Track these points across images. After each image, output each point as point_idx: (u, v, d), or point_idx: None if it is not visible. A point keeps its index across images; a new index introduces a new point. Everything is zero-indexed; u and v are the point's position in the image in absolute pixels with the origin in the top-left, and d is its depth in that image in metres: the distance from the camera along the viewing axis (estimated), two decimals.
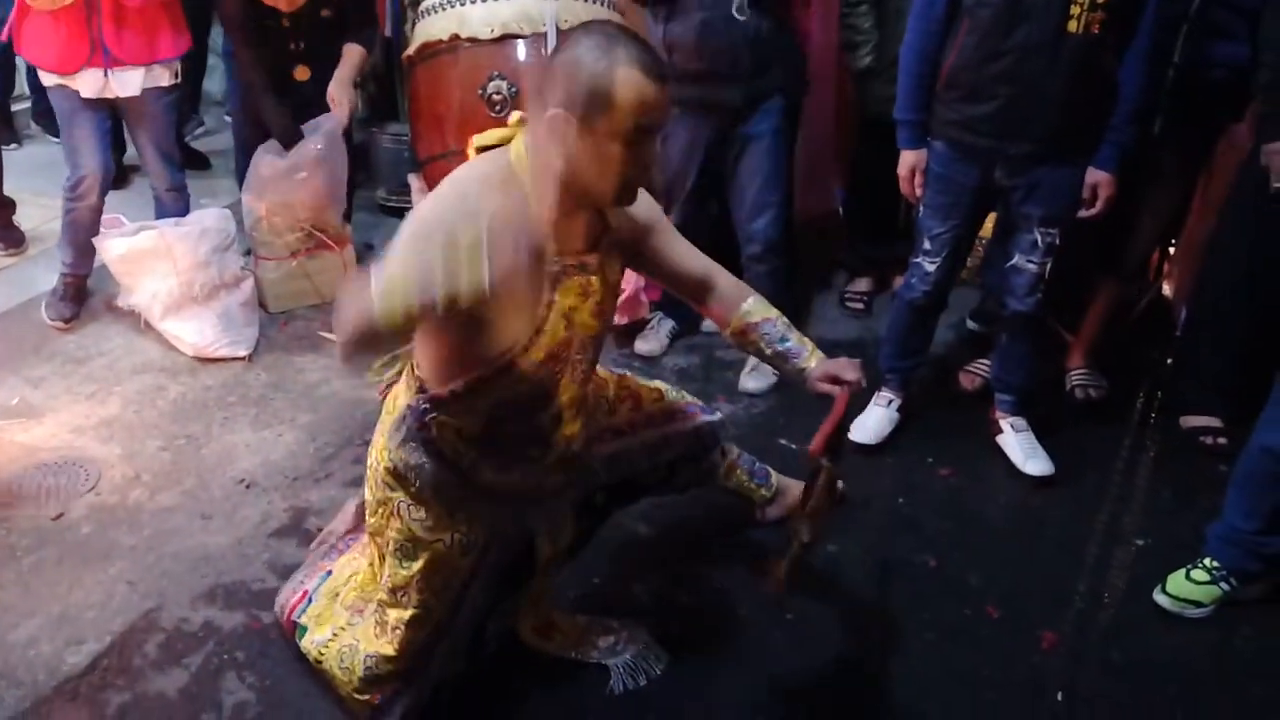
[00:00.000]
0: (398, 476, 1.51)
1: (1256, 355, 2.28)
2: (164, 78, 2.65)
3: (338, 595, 1.72)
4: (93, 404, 2.50)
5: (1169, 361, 2.70)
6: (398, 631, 1.55)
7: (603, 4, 2.52)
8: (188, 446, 2.36)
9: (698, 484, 1.87)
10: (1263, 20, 2.09)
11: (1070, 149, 2.07)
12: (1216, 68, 2.22)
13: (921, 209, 2.24)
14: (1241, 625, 1.91)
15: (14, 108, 3.90)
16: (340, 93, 2.82)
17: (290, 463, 2.31)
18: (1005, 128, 2.03)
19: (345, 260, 3.04)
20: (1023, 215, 2.14)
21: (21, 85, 3.88)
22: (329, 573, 1.78)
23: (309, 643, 1.69)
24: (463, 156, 2.55)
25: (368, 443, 1.64)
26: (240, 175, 2.98)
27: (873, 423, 2.41)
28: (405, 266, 1.20)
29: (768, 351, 1.64)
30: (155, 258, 2.64)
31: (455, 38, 2.46)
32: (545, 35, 2.42)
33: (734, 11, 2.31)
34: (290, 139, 2.81)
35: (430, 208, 1.35)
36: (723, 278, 1.66)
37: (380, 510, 1.57)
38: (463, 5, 2.45)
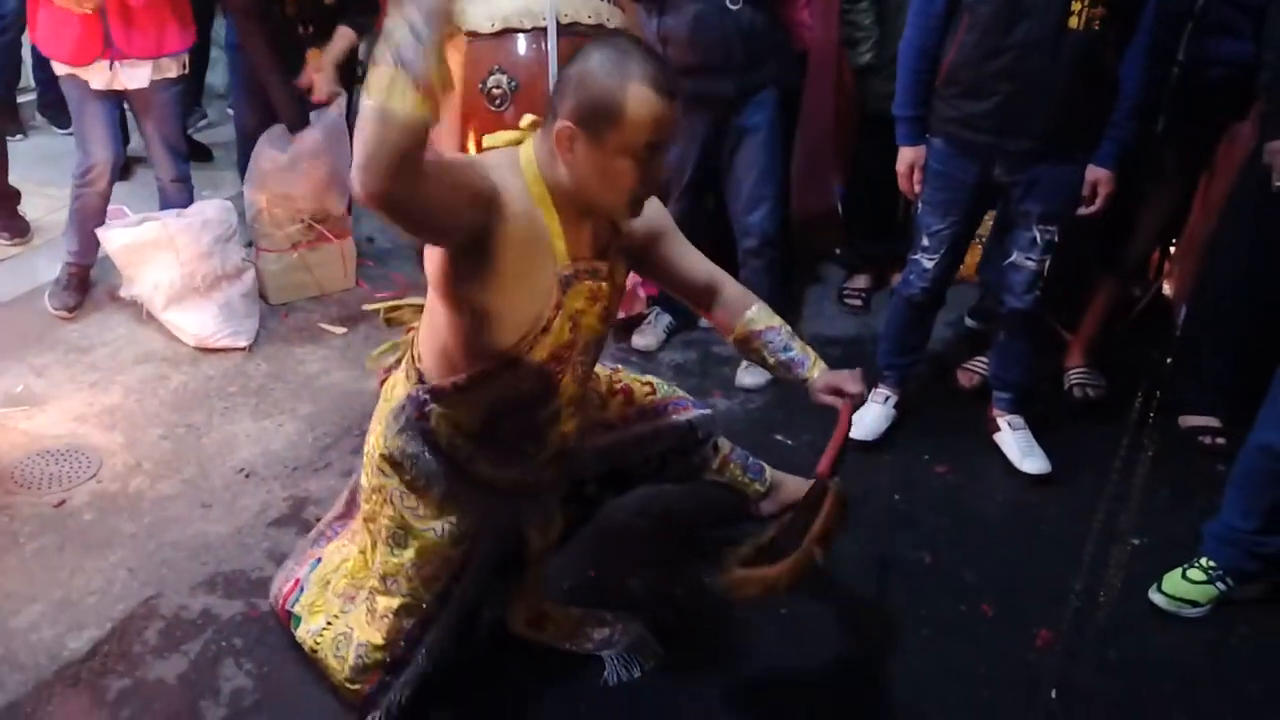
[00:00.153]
0: (393, 464, 1.52)
1: (1256, 355, 2.27)
2: (171, 69, 2.67)
3: (329, 583, 1.74)
4: (95, 393, 2.52)
5: (1168, 361, 2.69)
6: (386, 619, 1.57)
7: None
8: (188, 435, 2.37)
9: (689, 477, 1.89)
10: (1267, 19, 2.08)
11: (1070, 146, 2.07)
12: (1220, 66, 2.21)
13: (920, 206, 2.24)
14: (1238, 624, 1.92)
15: (19, 99, 3.92)
16: (322, 75, 2.82)
17: (290, 452, 2.33)
18: (1005, 124, 2.03)
19: (345, 252, 3.05)
20: (1022, 212, 2.14)
21: (27, 77, 3.90)
22: (319, 560, 1.80)
23: (304, 632, 1.70)
24: (462, 150, 2.58)
25: (366, 433, 1.65)
26: (242, 167, 2.99)
27: (870, 419, 2.41)
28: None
29: (770, 360, 1.65)
30: (158, 249, 2.65)
31: (455, 31, 2.46)
32: (545, 29, 2.42)
33: (727, 3, 2.31)
34: (298, 123, 2.81)
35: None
36: (728, 285, 1.68)
37: (374, 497, 1.58)
38: None
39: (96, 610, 1.84)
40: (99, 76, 2.57)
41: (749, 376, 2.61)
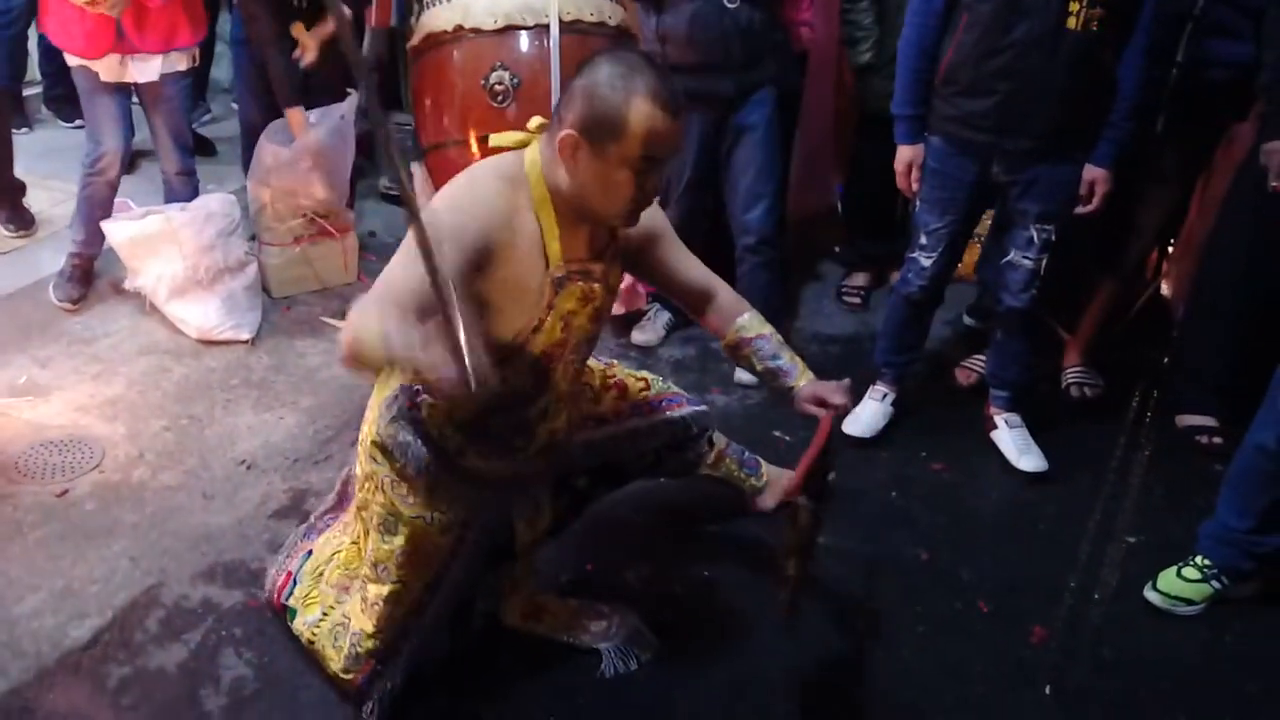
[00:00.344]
0: (384, 451, 1.54)
1: (1254, 355, 2.28)
2: (181, 63, 2.70)
3: (322, 575, 1.75)
4: (98, 384, 2.53)
5: (1166, 361, 2.70)
6: (376, 607, 1.58)
7: None
8: (190, 427, 2.39)
9: (685, 473, 1.90)
10: (1265, 19, 2.09)
11: (1068, 145, 2.08)
12: (1220, 67, 2.22)
13: (918, 204, 2.25)
14: (1232, 623, 1.92)
15: (25, 93, 3.93)
16: (309, 38, 2.83)
17: (290, 445, 2.34)
18: (1003, 123, 2.04)
19: (347, 247, 3.07)
20: (1019, 211, 2.15)
21: (33, 70, 3.91)
22: (309, 553, 1.81)
23: (300, 624, 1.72)
24: (464, 145, 2.60)
25: None
26: (246, 161, 3.01)
27: (867, 416, 2.42)
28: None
29: (759, 367, 1.67)
30: (161, 242, 2.67)
31: (459, 28, 2.47)
32: (547, 26, 2.43)
33: (725, 2, 2.33)
34: (290, 98, 2.80)
35: (442, 212, 1.36)
36: (722, 290, 1.69)
37: (367, 484, 1.60)
38: None
39: (98, 599, 1.86)
40: (110, 69, 2.59)
41: (748, 373, 2.62)
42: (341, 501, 1.92)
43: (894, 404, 2.46)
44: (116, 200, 2.79)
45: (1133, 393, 2.64)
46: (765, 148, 2.51)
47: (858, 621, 1.90)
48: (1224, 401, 2.42)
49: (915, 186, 2.24)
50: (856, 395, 2.46)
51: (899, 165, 2.23)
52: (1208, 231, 2.50)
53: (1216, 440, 2.42)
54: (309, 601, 1.73)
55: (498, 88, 2.45)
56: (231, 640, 1.78)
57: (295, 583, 1.77)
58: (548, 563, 1.88)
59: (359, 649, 1.60)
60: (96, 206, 2.75)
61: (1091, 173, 2.11)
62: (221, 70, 4.18)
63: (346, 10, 2.85)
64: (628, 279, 2.72)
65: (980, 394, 2.51)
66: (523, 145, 1.47)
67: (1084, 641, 1.87)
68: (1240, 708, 1.76)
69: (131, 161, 3.58)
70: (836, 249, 3.30)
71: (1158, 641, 1.89)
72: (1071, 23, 1.94)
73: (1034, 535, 2.15)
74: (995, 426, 2.40)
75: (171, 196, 2.84)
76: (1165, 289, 2.97)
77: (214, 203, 2.75)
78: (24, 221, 3.16)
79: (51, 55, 3.63)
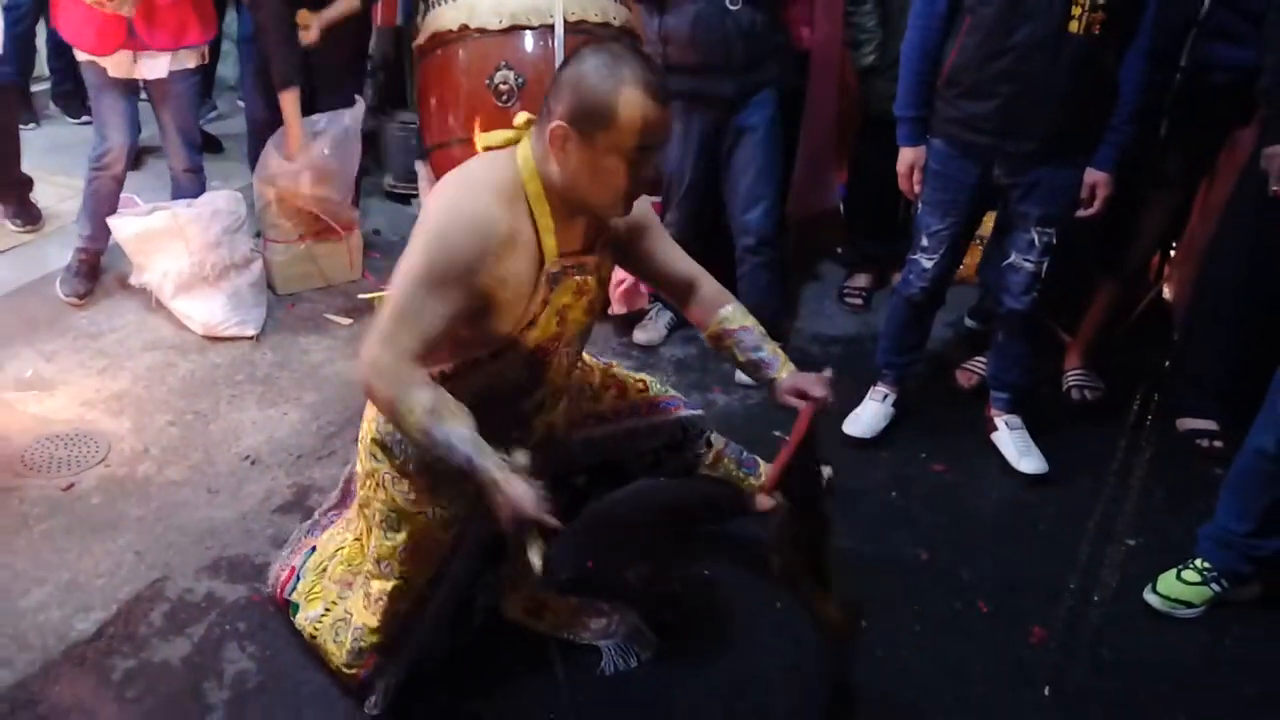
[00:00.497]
0: (384, 448, 1.55)
1: (1255, 359, 2.28)
2: (190, 60, 2.71)
3: (325, 570, 1.76)
4: (104, 379, 2.55)
5: (1167, 364, 2.70)
6: (380, 603, 1.59)
7: None
8: (195, 422, 2.40)
9: (684, 473, 1.91)
10: (1266, 23, 2.09)
11: (1070, 148, 2.08)
12: (1222, 72, 2.22)
13: (920, 206, 2.25)
14: (1232, 626, 1.93)
15: (33, 88, 3.95)
16: (313, 18, 2.80)
17: (294, 440, 2.35)
18: (1005, 126, 2.04)
19: (352, 245, 3.08)
20: (1020, 214, 2.16)
21: (41, 66, 3.93)
22: (313, 549, 1.82)
23: (302, 619, 1.73)
24: (469, 144, 2.60)
25: None
26: (252, 159, 3.02)
27: (868, 417, 2.43)
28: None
29: (741, 358, 1.67)
30: (168, 238, 2.68)
31: (464, 28, 2.49)
32: (552, 26, 2.44)
33: (727, 4, 2.33)
34: (288, 79, 2.77)
35: (436, 232, 1.37)
36: (706, 282, 1.70)
37: (368, 482, 1.61)
38: None
39: (103, 592, 1.87)
40: (119, 65, 2.60)
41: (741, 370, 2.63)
42: (345, 498, 1.93)
43: (895, 405, 2.46)
44: (123, 196, 2.81)
45: (1133, 396, 2.65)
46: (765, 149, 2.52)
47: (857, 621, 1.91)
48: (1225, 405, 2.42)
49: (917, 188, 2.24)
50: (858, 396, 2.47)
51: (901, 167, 2.24)
52: (1209, 236, 2.50)
53: (1217, 444, 2.42)
54: (311, 597, 1.75)
55: (502, 87, 2.46)
56: (235, 634, 1.80)
57: (298, 578, 1.79)
58: (547, 560, 1.88)
59: (362, 644, 1.61)
60: (102, 201, 2.77)
61: (1093, 176, 2.11)
62: (228, 68, 4.19)
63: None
64: (630, 279, 2.74)
65: (981, 396, 2.52)
66: (512, 142, 1.47)
67: (1083, 643, 1.88)
68: (1239, 710, 1.77)
69: (138, 158, 3.60)
70: (838, 250, 3.31)
71: (1157, 643, 1.89)
72: (1073, 26, 1.94)
73: (1034, 536, 2.16)
74: (996, 428, 2.40)
75: (179, 193, 2.85)
76: (1167, 293, 2.97)
77: (220, 199, 2.77)
78: (31, 216, 3.17)
79: (60, 51, 3.65)
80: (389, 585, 1.58)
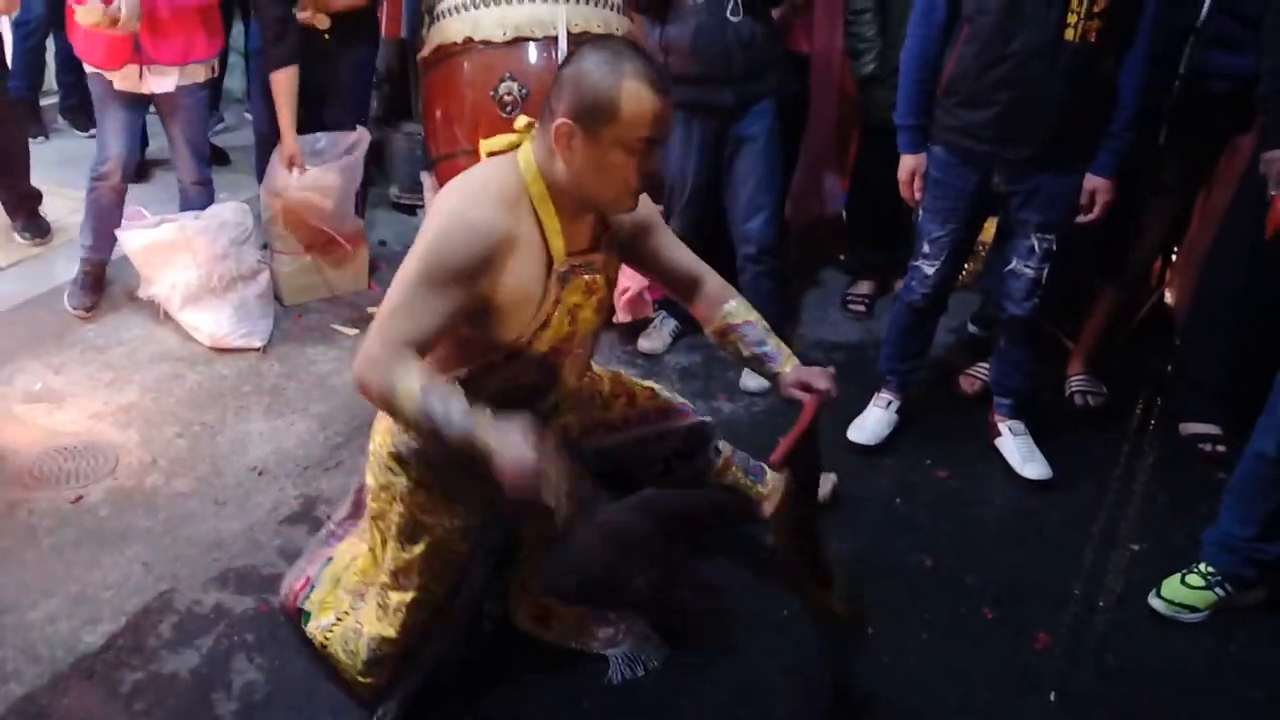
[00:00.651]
0: (400, 461, 1.56)
1: (1256, 364, 2.29)
2: (199, 74, 2.71)
3: (339, 580, 1.77)
4: (112, 391, 2.56)
5: (1169, 369, 2.71)
6: (399, 614, 1.60)
7: (611, 8, 2.57)
8: (203, 434, 2.42)
9: (693, 482, 1.92)
10: (1263, 30, 2.10)
11: (1069, 155, 2.09)
12: (1221, 79, 2.23)
13: (921, 213, 2.26)
14: (1237, 630, 1.93)
15: (42, 102, 3.98)
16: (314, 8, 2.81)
17: (302, 451, 2.37)
18: (1004, 133, 2.06)
19: (358, 257, 3.10)
20: (1020, 221, 2.17)
21: (50, 80, 3.96)
22: (330, 559, 1.83)
23: (314, 628, 1.74)
24: (474, 155, 2.61)
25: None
26: (260, 171, 3.04)
27: (871, 424, 2.44)
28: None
29: (745, 353, 1.68)
30: (175, 250, 2.70)
31: (469, 40, 2.51)
32: (556, 38, 2.46)
33: (728, 15, 2.35)
34: (276, 55, 2.74)
35: (436, 236, 1.39)
36: (711, 278, 1.71)
37: (382, 495, 1.62)
38: (477, 9, 2.50)
39: (112, 604, 1.88)
40: (127, 79, 2.61)
41: (753, 380, 2.64)
42: (358, 508, 1.93)
43: (899, 411, 2.47)
44: (131, 209, 2.82)
45: (1136, 401, 2.65)
46: (766, 158, 2.54)
47: (863, 628, 1.90)
48: (1227, 410, 2.42)
49: (918, 195, 2.25)
50: (862, 402, 2.48)
51: (902, 174, 2.25)
52: (1210, 241, 2.51)
53: (1220, 448, 2.42)
54: (324, 606, 1.75)
55: (507, 98, 2.48)
56: (243, 645, 1.80)
57: (313, 586, 1.79)
58: (555, 567, 1.88)
59: (379, 653, 1.62)
60: (102, 212, 2.77)
61: (1092, 182, 2.12)
62: (235, 80, 4.22)
63: None
64: (634, 286, 2.76)
65: (984, 401, 2.52)
66: (514, 146, 1.48)
67: (1088, 648, 1.88)
68: (1244, 714, 1.77)
69: (146, 170, 3.64)
70: (841, 257, 3.32)
71: (1162, 648, 1.90)
72: (1069, 34, 1.95)
73: (1038, 542, 2.17)
74: (999, 434, 2.41)
75: (187, 205, 2.86)
76: (1168, 298, 2.98)
77: (227, 211, 2.78)
78: (40, 230, 3.19)
79: (69, 65, 3.67)
80: (408, 597, 1.59)
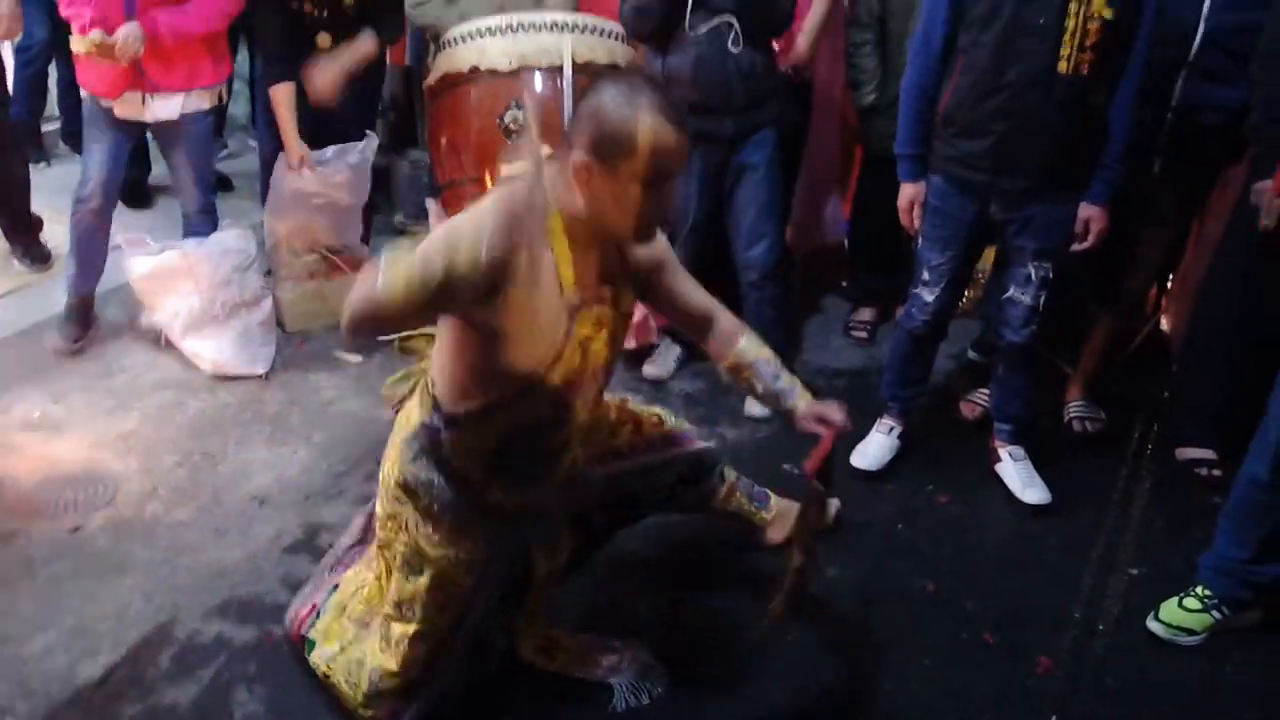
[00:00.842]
0: (408, 491, 1.56)
1: (1250, 389, 2.32)
2: (205, 100, 2.71)
3: (344, 609, 1.76)
4: (112, 419, 2.55)
5: (1165, 395, 2.74)
6: (401, 646, 1.59)
7: (615, 39, 2.60)
8: (204, 462, 2.41)
9: (698, 508, 1.93)
10: (1253, 63, 2.15)
11: (1063, 184, 2.13)
12: (1213, 111, 2.27)
13: (920, 240, 2.29)
14: (1233, 652, 1.95)
15: (44, 127, 3.99)
16: (322, 73, 2.77)
17: (304, 479, 2.36)
18: (999, 163, 2.09)
19: None
20: (1017, 248, 2.20)
21: (51, 105, 3.97)
22: (336, 586, 1.82)
23: (317, 657, 1.73)
24: (480, 183, 2.66)
25: (380, 460, 1.69)
26: (264, 197, 3.03)
27: (874, 449, 2.45)
28: (410, 250, 1.35)
29: (759, 389, 1.71)
30: (178, 277, 2.70)
31: (475, 69, 2.54)
32: (561, 67, 2.50)
33: (728, 46, 2.40)
34: (274, 69, 2.77)
35: (461, 223, 1.42)
36: (723, 315, 1.74)
37: (390, 524, 1.62)
38: (483, 38, 2.53)
39: (110, 636, 1.87)
40: (128, 107, 2.61)
41: (757, 406, 2.65)
42: (367, 534, 1.92)
43: (900, 437, 2.48)
44: (133, 235, 2.81)
45: (1133, 426, 2.67)
46: (767, 187, 2.57)
47: (865, 652, 1.92)
48: (1223, 435, 2.44)
49: (917, 223, 2.29)
50: (864, 428, 2.49)
51: (902, 203, 2.29)
52: (1204, 269, 2.54)
53: (1215, 473, 2.44)
54: (328, 635, 1.75)
55: (513, 126, 2.51)
56: (244, 677, 1.79)
57: (318, 614, 1.78)
58: (560, 597, 1.88)
59: (381, 686, 1.61)
60: (85, 238, 2.73)
61: (1086, 211, 2.16)
62: (239, 107, 4.24)
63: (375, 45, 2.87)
64: (639, 313, 2.77)
65: (985, 427, 2.54)
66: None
67: (1088, 671, 1.89)
68: None
69: (149, 196, 3.64)
70: (843, 284, 3.35)
71: (1160, 671, 1.91)
72: (1062, 66, 2.00)
73: (1038, 567, 2.18)
74: (1000, 459, 2.42)
75: (190, 232, 2.85)
76: (1165, 324, 3.02)
77: (230, 238, 2.78)
78: (40, 256, 3.18)
79: (70, 90, 3.68)
80: (410, 629, 1.59)
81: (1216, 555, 1.97)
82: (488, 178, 2.54)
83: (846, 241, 3.32)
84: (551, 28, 2.51)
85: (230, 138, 4.25)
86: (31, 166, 3.29)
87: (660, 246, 1.62)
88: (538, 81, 2.52)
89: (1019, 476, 2.37)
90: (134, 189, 3.51)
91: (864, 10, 2.78)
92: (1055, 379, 2.76)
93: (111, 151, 2.68)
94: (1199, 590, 1.97)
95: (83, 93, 2.67)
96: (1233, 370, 2.42)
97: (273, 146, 2.97)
